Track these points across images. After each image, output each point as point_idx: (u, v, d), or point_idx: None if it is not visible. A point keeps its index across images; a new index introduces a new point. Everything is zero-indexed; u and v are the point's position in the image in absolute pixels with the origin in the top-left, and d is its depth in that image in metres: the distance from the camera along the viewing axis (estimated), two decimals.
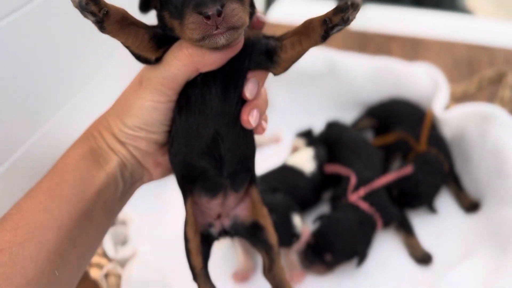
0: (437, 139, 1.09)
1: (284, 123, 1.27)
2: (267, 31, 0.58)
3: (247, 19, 0.48)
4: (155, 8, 0.53)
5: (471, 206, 1.04)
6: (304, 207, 1.02)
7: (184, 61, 0.51)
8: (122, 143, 0.58)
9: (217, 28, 0.46)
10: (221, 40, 0.47)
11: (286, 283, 0.60)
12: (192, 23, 0.46)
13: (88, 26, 0.95)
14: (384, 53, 1.58)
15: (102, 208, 0.56)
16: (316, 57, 1.26)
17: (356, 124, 1.22)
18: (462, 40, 1.63)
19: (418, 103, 1.19)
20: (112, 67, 1.05)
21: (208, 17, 0.45)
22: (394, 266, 0.95)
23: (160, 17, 0.52)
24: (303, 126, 1.24)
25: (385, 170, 1.07)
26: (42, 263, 0.49)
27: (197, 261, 0.57)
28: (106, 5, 0.47)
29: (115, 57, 1.05)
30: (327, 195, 1.07)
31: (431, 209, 1.04)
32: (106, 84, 1.03)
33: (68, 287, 0.53)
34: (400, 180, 1.01)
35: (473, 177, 1.06)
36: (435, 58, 1.57)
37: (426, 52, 1.60)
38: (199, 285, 0.58)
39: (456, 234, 1.00)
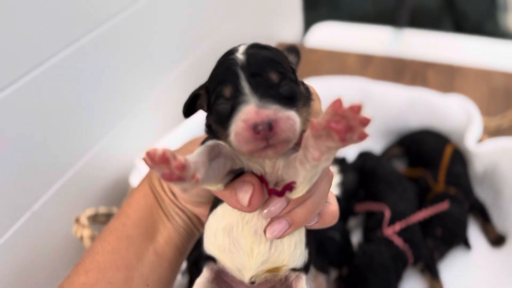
0: (456, 177, 1.10)
1: None
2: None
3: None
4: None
5: (497, 239, 1.05)
6: None
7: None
8: (180, 209, 0.57)
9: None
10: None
11: None
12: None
13: (132, 58, 1.02)
14: (420, 80, 1.60)
15: (170, 245, 0.56)
16: (351, 86, 1.29)
17: (386, 152, 1.25)
18: (500, 68, 1.63)
19: (451, 135, 1.21)
20: (154, 96, 1.13)
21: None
22: None
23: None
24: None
25: (420, 204, 1.08)
26: None
27: None
28: None
29: (158, 86, 1.13)
30: (353, 221, 1.10)
31: (467, 244, 1.04)
32: (147, 113, 1.11)
33: None
34: (441, 218, 1.01)
35: (503, 212, 1.07)
36: (472, 87, 1.57)
37: (463, 80, 1.61)
38: None
39: (482, 268, 1.01)
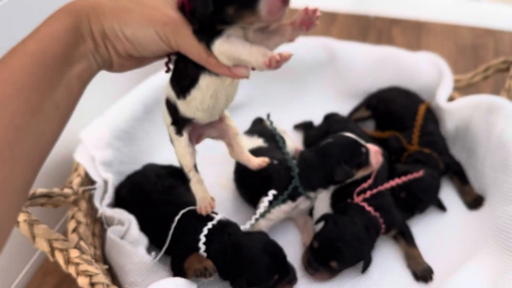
0: (431, 135, 1.04)
1: (282, 115, 1.22)
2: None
3: None
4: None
5: (474, 201, 1.00)
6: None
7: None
8: (104, 38, 0.59)
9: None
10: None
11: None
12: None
13: None
14: (386, 38, 1.54)
15: (81, 80, 0.59)
16: (315, 46, 1.21)
17: (352, 114, 1.18)
18: (467, 24, 1.58)
19: (421, 93, 1.14)
20: None
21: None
22: (396, 269, 0.91)
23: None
24: (302, 118, 1.20)
25: (390, 170, 1.01)
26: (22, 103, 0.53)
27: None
28: None
29: None
30: None
31: (441, 207, 1.00)
32: (91, 84, 0.99)
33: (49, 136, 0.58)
34: (407, 184, 0.96)
35: (478, 172, 1.02)
36: (439, 44, 1.52)
37: (429, 37, 1.55)
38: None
39: (459, 231, 0.97)
